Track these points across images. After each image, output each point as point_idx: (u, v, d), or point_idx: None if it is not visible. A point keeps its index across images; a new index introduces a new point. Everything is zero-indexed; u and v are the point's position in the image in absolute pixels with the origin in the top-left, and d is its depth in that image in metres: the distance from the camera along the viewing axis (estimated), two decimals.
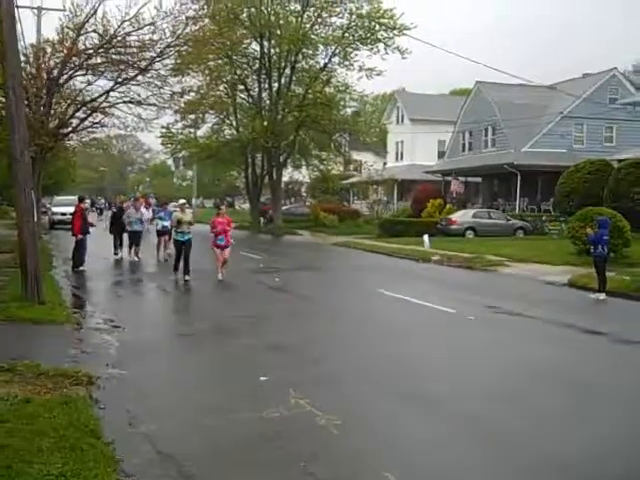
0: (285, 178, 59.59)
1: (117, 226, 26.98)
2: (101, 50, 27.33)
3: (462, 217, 41.27)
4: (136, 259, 25.79)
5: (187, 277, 19.80)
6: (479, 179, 53.62)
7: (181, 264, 20.32)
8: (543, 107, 46.85)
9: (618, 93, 46.42)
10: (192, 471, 6.34)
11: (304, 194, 73.92)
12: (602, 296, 17.86)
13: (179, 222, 20.48)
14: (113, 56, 27.64)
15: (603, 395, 9.10)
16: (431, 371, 10.14)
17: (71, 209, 47.10)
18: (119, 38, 26.90)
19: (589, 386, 9.50)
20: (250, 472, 6.45)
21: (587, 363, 10.99)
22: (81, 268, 22.12)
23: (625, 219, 25.50)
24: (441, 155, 58.71)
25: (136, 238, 26.23)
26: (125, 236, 26.89)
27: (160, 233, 26.09)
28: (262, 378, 9.37)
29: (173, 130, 49.54)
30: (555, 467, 6.64)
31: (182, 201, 22.39)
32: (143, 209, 28.16)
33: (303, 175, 62.82)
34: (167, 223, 25.04)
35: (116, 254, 26.65)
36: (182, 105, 36.54)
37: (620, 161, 37.09)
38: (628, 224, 25.41)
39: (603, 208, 27.03)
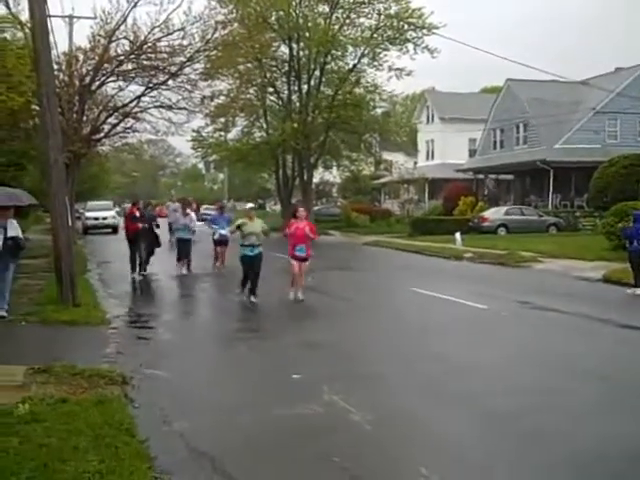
0: (316, 179, 59.61)
1: (145, 237, 21.35)
2: (132, 56, 27.69)
3: (494, 214, 41.10)
4: (185, 272, 21.92)
5: (253, 298, 15.90)
6: (511, 176, 53.26)
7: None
8: (575, 103, 46.41)
9: None
10: (227, 468, 6.36)
11: (335, 195, 73.94)
12: (638, 291, 17.69)
13: (245, 233, 16.07)
14: (144, 62, 27.99)
15: None
16: (463, 367, 10.10)
17: (104, 214, 48.28)
18: (149, 44, 27.23)
19: (628, 381, 9.40)
20: (284, 468, 6.46)
21: (625, 358, 10.87)
22: (143, 272, 21.19)
23: None
24: (472, 153, 58.44)
25: (185, 248, 22.15)
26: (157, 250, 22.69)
27: (217, 242, 22.56)
28: (295, 376, 9.41)
29: (204, 134, 49.77)
30: (594, 463, 6.60)
31: (250, 205, 18.18)
32: (193, 214, 23.96)
33: (334, 176, 62.83)
34: (225, 231, 21.57)
35: (134, 272, 21.09)
36: (212, 109, 36.88)
37: None
38: None
39: (638, 202, 26.74)
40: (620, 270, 20.16)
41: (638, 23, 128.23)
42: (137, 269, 21.07)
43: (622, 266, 20.04)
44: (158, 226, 22.49)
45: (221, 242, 22.24)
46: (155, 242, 21.89)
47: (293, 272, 16.18)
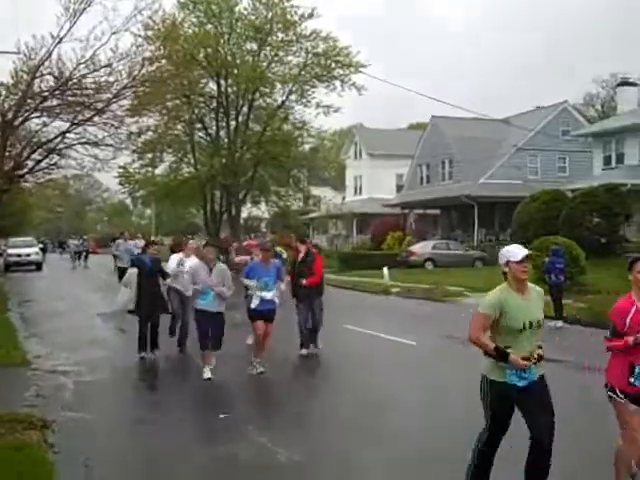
0: (244, 214, 59.64)
1: (151, 297, 13.55)
2: (57, 92, 27.22)
3: (422, 248, 41.66)
4: (208, 376, 11.56)
5: None
6: (437, 211, 54.19)
7: None
8: (498, 140, 47.75)
9: (569, 125, 47.64)
10: None
11: (264, 230, 73.97)
12: (559, 323, 18.12)
13: (509, 326, 6.24)
14: (69, 98, 27.51)
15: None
16: (392, 404, 10.14)
17: (27, 250, 47.15)
18: (75, 80, 26.80)
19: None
20: None
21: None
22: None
23: (580, 247, 25.95)
24: (399, 188, 59.31)
25: (217, 331, 11.79)
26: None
27: (259, 315, 12.41)
28: (221, 416, 9.31)
29: (131, 169, 49.42)
30: None
31: (521, 252, 6.16)
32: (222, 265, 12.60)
33: (262, 211, 62.96)
34: (272, 294, 12.57)
35: (142, 355, 13.99)
36: (139, 145, 36.54)
37: (573, 191, 37.77)
38: (583, 252, 25.83)
39: (559, 237, 27.43)
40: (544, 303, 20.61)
41: (557, 64, 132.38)
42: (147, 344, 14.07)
43: (545, 299, 20.47)
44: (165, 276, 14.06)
45: (265, 314, 12.36)
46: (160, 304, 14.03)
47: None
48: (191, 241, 15.50)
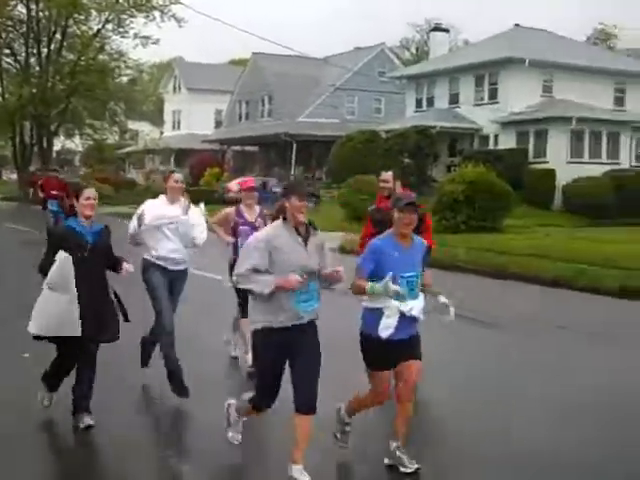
0: (57, 147, 57.37)
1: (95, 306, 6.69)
2: None
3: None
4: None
5: None
6: (256, 148, 54.53)
7: None
8: (317, 79, 48.54)
9: (386, 67, 49.08)
10: None
11: (77, 164, 71.46)
12: None
13: None
14: None
15: None
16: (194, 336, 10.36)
17: None
18: None
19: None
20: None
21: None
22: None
23: None
24: (218, 124, 59.09)
25: (313, 360, 5.62)
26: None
27: (392, 350, 5.66)
28: (25, 355, 9.10)
29: None
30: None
31: None
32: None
33: (76, 144, 60.74)
34: (419, 307, 5.78)
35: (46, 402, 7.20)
36: None
37: (388, 132, 39.13)
38: None
39: (372, 177, 28.37)
40: (351, 240, 21.42)
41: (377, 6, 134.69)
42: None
43: (354, 236, 21.33)
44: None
45: (406, 346, 5.75)
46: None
47: None
48: (176, 174, 8.11)
